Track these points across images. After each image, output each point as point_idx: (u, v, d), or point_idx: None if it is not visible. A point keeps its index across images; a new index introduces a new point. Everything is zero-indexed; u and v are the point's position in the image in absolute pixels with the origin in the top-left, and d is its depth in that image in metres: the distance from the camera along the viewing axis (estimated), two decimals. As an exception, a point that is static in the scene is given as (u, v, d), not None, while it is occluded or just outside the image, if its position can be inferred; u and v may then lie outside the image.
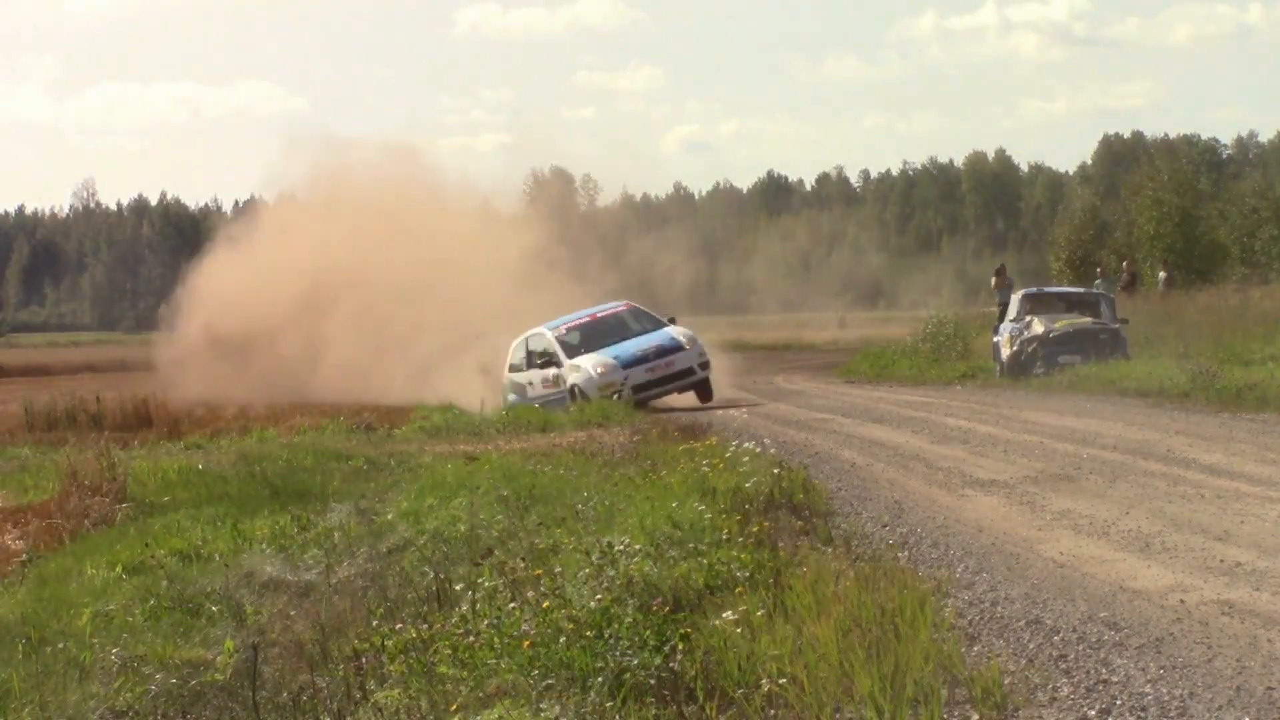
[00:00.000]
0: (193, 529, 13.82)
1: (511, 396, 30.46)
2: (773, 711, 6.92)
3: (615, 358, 29.03)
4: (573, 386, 28.97)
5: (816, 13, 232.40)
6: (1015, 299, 32.17)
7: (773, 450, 16.50)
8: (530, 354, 30.68)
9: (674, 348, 29.31)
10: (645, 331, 30.11)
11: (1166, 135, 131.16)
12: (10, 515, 16.54)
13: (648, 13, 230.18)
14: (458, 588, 9.63)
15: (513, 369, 31.13)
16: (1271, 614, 8.29)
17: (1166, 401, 22.68)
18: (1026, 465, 15.42)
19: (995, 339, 32.29)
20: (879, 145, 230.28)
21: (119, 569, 12.10)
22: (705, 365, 29.54)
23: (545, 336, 30.43)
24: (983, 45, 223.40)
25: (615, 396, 27.60)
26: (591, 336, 30.18)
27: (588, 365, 29.03)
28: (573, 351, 29.69)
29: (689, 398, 29.75)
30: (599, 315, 30.96)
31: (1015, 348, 30.44)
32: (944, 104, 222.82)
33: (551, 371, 29.75)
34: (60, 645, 9.41)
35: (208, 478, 17.59)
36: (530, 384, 30.32)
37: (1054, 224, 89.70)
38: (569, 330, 30.52)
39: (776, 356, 53.27)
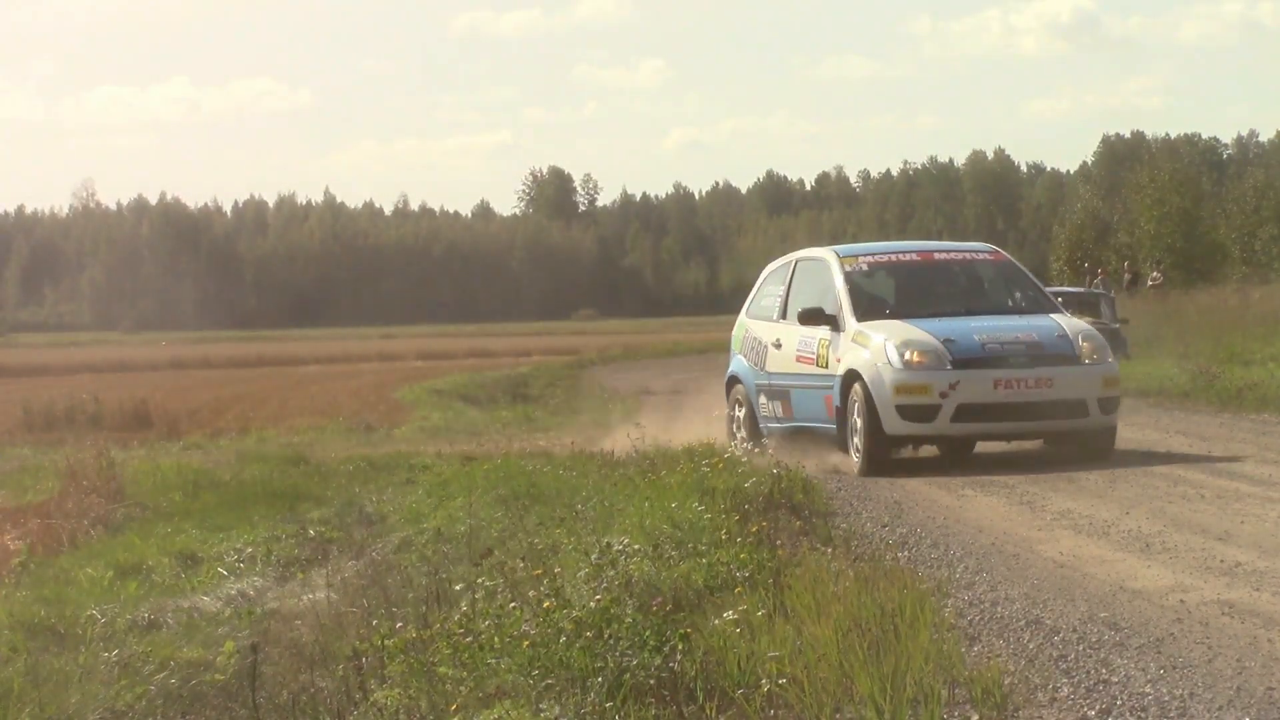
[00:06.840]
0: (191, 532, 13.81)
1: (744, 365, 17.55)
2: (773, 712, 6.91)
3: (945, 340, 15.00)
4: (847, 374, 15.22)
5: (817, 12, 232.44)
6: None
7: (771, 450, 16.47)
8: (791, 293, 16.95)
9: (1059, 352, 15.20)
10: (1014, 309, 16.38)
11: (1168, 135, 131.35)
12: (9, 516, 16.52)
13: (647, 11, 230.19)
14: (458, 588, 9.63)
15: (754, 314, 17.70)
16: (1272, 614, 8.29)
17: (1166, 401, 22.68)
18: (1026, 465, 15.38)
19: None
20: (879, 145, 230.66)
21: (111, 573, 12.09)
22: (1112, 404, 15.28)
23: (827, 265, 16.42)
24: (983, 44, 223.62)
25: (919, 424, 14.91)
26: (912, 290, 16.27)
27: (883, 342, 15.01)
28: (869, 310, 15.77)
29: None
30: (936, 256, 17.06)
31: (1015, 348, 30.38)
32: (944, 103, 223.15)
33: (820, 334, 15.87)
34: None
35: (205, 477, 17.58)
36: (776, 347, 16.82)
37: (1054, 224, 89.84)
38: (871, 266, 16.55)
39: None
